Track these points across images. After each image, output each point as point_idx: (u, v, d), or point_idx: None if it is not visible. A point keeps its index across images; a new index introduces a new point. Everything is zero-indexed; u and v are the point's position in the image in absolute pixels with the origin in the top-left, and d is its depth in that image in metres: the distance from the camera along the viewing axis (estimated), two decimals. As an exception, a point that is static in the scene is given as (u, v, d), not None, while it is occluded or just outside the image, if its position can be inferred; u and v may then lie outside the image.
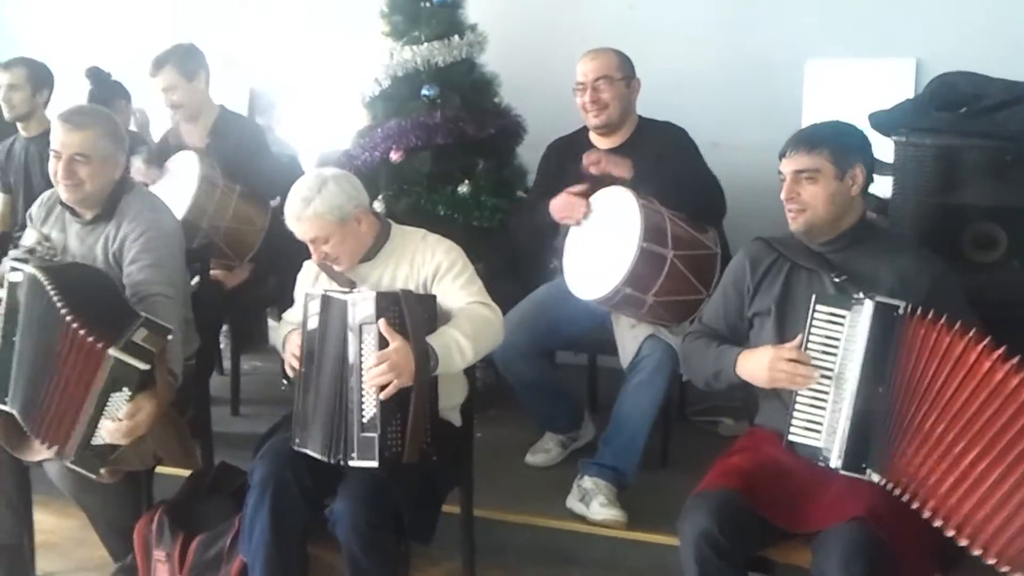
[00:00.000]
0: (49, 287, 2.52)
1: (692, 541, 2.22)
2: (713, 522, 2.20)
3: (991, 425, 2.09)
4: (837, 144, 2.42)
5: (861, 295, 2.24)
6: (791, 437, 2.28)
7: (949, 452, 2.12)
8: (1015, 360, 2.09)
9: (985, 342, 2.12)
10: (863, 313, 2.22)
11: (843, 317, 2.24)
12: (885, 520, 2.13)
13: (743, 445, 2.53)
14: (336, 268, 2.66)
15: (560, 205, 3.21)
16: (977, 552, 2.08)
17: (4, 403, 2.66)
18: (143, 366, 2.45)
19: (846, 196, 2.42)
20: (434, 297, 2.57)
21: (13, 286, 2.62)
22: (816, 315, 2.27)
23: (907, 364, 2.19)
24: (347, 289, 2.61)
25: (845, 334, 2.24)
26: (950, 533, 2.11)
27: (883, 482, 2.18)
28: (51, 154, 2.81)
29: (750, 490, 2.28)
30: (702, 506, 2.25)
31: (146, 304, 2.68)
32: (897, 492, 2.16)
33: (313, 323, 2.55)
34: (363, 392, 2.41)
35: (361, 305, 2.42)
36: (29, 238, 2.93)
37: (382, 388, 2.36)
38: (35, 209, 3.03)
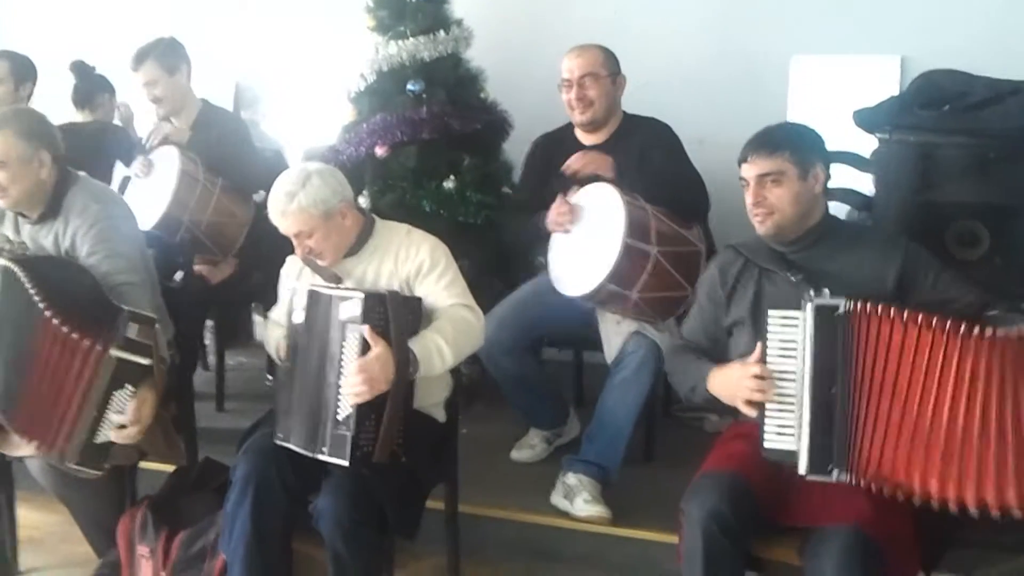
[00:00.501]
0: (26, 281, 2.51)
1: (699, 520, 2.21)
2: (723, 502, 2.20)
3: (938, 396, 2.10)
4: (797, 145, 2.44)
5: (812, 294, 2.22)
6: (766, 444, 2.25)
7: (904, 434, 2.13)
8: (956, 326, 2.08)
9: (924, 319, 2.11)
10: (803, 315, 2.22)
11: (796, 319, 2.23)
12: (876, 521, 2.13)
13: (736, 432, 2.52)
14: (320, 263, 2.65)
15: (552, 219, 3.18)
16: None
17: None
18: (146, 362, 2.47)
19: (810, 195, 2.44)
20: (420, 300, 2.57)
21: None
22: (770, 320, 2.26)
23: (857, 360, 2.17)
24: (333, 284, 2.61)
25: (800, 335, 2.22)
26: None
27: (851, 480, 2.17)
28: None
29: (752, 476, 2.28)
30: (712, 486, 2.25)
31: (115, 294, 2.65)
32: (867, 487, 2.15)
33: (299, 317, 2.55)
34: (340, 390, 2.41)
35: (348, 304, 2.42)
36: None
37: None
38: None
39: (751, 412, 2.28)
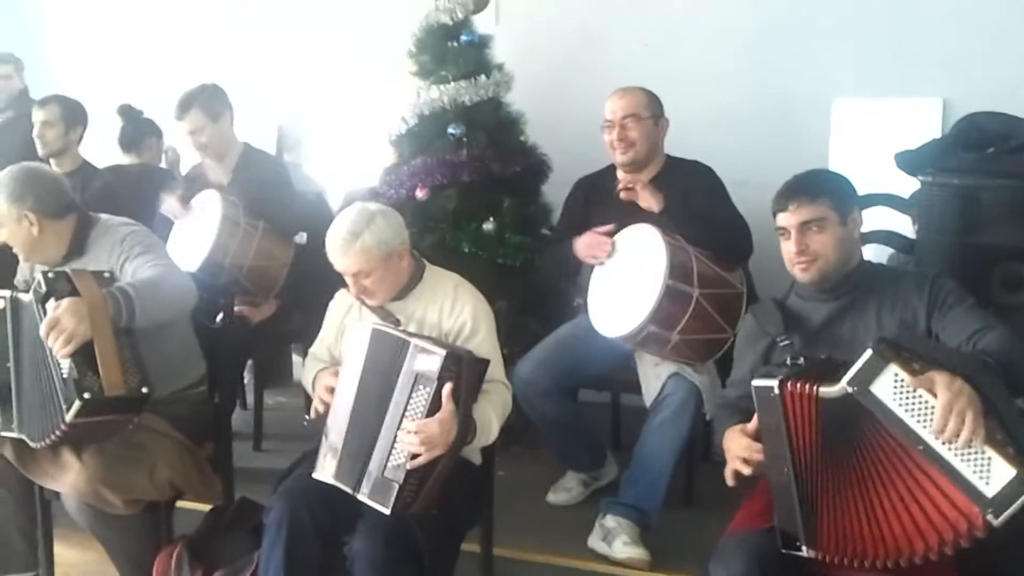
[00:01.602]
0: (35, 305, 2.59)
1: None
2: (751, 564, 2.14)
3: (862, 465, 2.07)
4: (835, 191, 2.42)
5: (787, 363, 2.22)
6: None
7: (848, 507, 2.09)
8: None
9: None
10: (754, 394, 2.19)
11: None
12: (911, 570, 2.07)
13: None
14: (369, 303, 2.66)
15: (585, 243, 3.22)
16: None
17: (12, 430, 2.69)
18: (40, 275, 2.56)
19: (851, 240, 2.42)
20: (488, 362, 2.55)
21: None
22: (753, 392, 2.21)
23: (797, 440, 2.12)
24: (391, 325, 2.61)
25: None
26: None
27: (818, 556, 2.12)
28: None
29: None
30: (737, 550, 2.20)
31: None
32: (831, 560, 2.11)
33: (358, 354, 2.54)
34: (396, 440, 2.40)
35: (427, 357, 2.38)
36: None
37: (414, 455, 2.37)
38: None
39: (730, 482, 2.29)
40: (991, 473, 1.95)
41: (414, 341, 2.42)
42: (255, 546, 2.63)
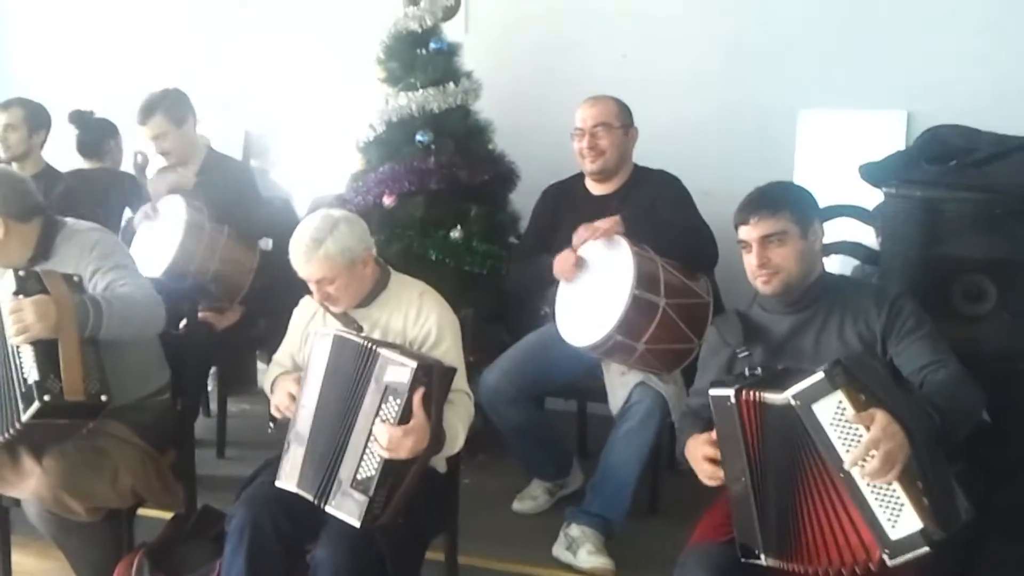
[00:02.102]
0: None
1: None
2: None
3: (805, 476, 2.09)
4: (795, 204, 2.45)
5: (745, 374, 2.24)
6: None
7: (799, 514, 2.11)
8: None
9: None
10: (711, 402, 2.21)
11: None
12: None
13: None
14: (333, 309, 2.64)
15: (559, 267, 3.20)
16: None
17: None
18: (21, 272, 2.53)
19: (812, 252, 2.45)
20: (455, 371, 2.53)
21: None
22: (711, 400, 2.23)
23: (751, 446, 2.15)
24: (354, 332, 2.59)
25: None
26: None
27: (778, 564, 2.13)
28: None
29: None
30: (698, 561, 2.21)
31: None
32: (788, 568, 2.13)
33: (319, 361, 2.52)
34: (366, 450, 2.37)
35: (397, 369, 2.35)
36: None
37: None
38: None
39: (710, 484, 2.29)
40: (899, 518, 2.00)
41: (383, 352, 2.39)
42: (217, 554, 2.60)
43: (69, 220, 2.93)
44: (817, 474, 2.07)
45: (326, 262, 2.55)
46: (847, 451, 2.01)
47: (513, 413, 3.25)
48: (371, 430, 2.36)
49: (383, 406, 2.36)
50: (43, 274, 2.56)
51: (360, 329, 2.62)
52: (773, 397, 2.09)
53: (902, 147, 3.70)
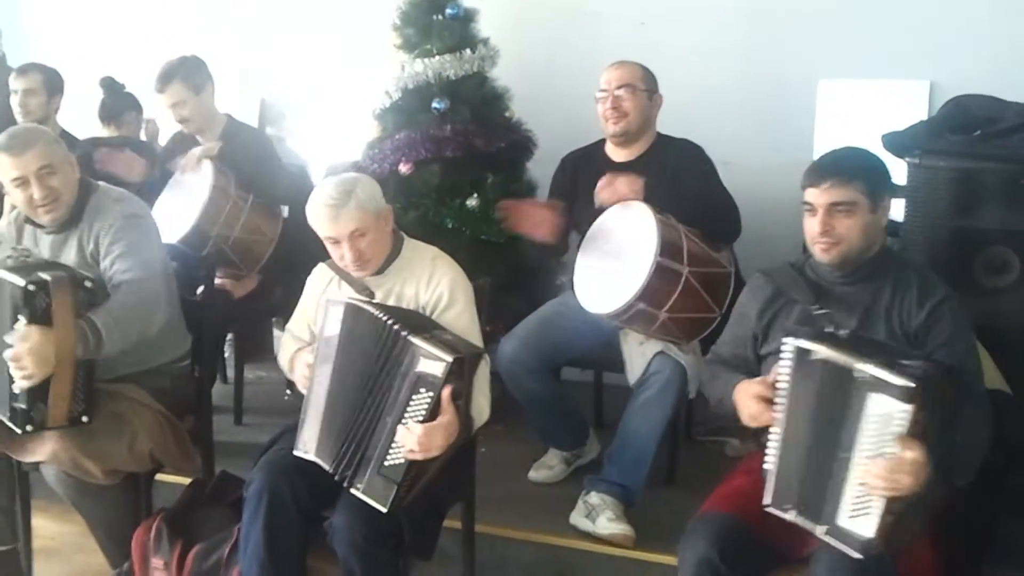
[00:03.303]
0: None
1: (692, 568, 2.20)
2: (713, 548, 2.17)
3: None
4: (870, 175, 2.36)
5: (832, 327, 2.19)
6: (765, 464, 2.21)
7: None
8: None
9: None
10: (788, 353, 2.16)
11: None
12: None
13: (747, 467, 2.50)
14: (360, 272, 2.62)
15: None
16: None
17: None
18: (20, 281, 2.47)
19: (877, 227, 2.37)
20: (483, 353, 2.52)
21: None
22: (782, 348, 2.19)
23: (824, 407, 2.11)
24: (365, 298, 2.59)
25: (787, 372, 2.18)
26: None
27: (807, 526, 2.13)
28: (14, 186, 2.77)
29: (752, 513, 2.25)
30: (702, 531, 2.22)
31: (118, 289, 2.71)
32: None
33: (332, 329, 2.51)
34: (395, 440, 2.36)
35: (431, 362, 2.33)
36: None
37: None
38: (4, 229, 3.00)
39: (752, 425, 2.27)
40: (859, 517, 2.03)
41: (417, 342, 2.36)
42: (235, 520, 2.62)
43: (101, 184, 2.93)
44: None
45: (359, 211, 2.53)
46: (867, 444, 2.01)
47: (531, 382, 3.24)
48: (400, 419, 2.35)
49: (414, 397, 2.34)
50: (53, 288, 2.51)
51: (372, 296, 2.62)
52: (861, 367, 2.03)
53: (924, 117, 3.66)
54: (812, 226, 2.36)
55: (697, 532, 2.23)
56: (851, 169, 2.34)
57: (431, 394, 2.32)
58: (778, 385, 2.18)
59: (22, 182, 2.76)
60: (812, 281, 2.43)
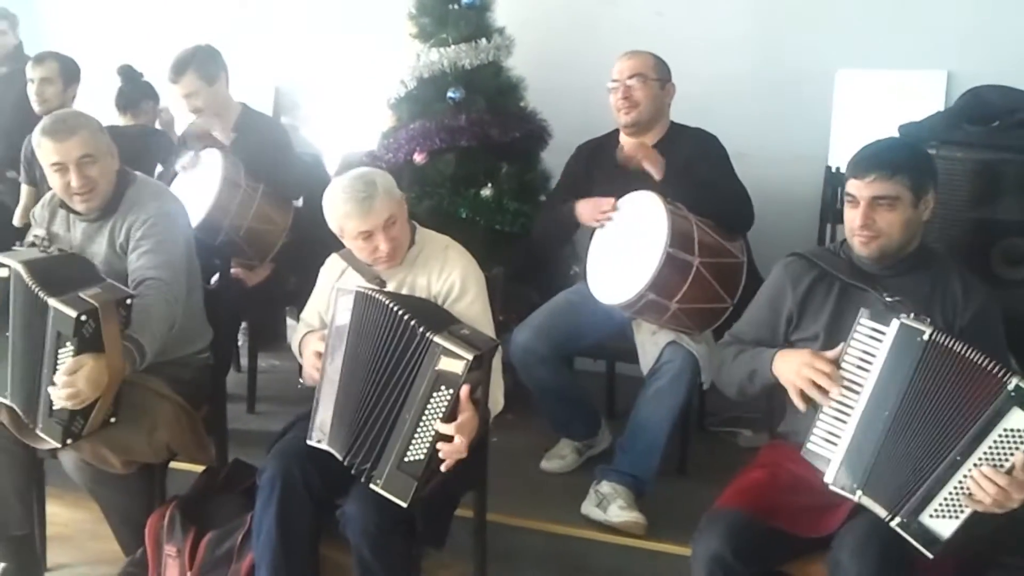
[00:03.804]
0: (29, 280, 2.54)
1: (704, 564, 2.20)
2: (725, 544, 2.17)
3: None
4: (916, 170, 2.33)
5: (909, 315, 2.15)
6: (809, 446, 2.23)
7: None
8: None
9: (1005, 371, 2.03)
10: (888, 333, 2.15)
11: (883, 334, 2.15)
12: None
13: (762, 460, 2.49)
14: (390, 264, 2.61)
15: (590, 209, 3.20)
16: None
17: (5, 397, 2.68)
18: (72, 312, 2.44)
19: (918, 222, 2.35)
20: (499, 345, 2.52)
21: (3, 281, 2.62)
22: (859, 328, 2.18)
23: (923, 391, 2.10)
24: (375, 287, 2.59)
25: (880, 352, 2.16)
26: None
27: (886, 516, 2.13)
28: (52, 171, 2.78)
29: (767, 505, 2.25)
30: (715, 528, 2.22)
31: (140, 286, 2.70)
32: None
33: (343, 319, 2.51)
34: (416, 436, 2.36)
35: (451, 360, 2.32)
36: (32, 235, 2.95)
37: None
38: (39, 210, 3.02)
39: (800, 404, 2.24)
40: (946, 516, 2.06)
41: (436, 339, 2.34)
42: (248, 508, 2.63)
43: (139, 176, 2.96)
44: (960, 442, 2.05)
45: (388, 199, 2.53)
46: (988, 452, 2.01)
47: (544, 372, 3.23)
48: (420, 417, 2.34)
49: (434, 394, 2.34)
50: (103, 314, 2.48)
51: (383, 284, 2.62)
52: (977, 358, 2.04)
53: (942, 108, 3.63)
54: (853, 218, 2.34)
55: (710, 529, 2.23)
56: (896, 163, 2.31)
57: (451, 391, 2.32)
58: (860, 362, 2.17)
59: (61, 168, 2.76)
60: (860, 269, 2.41)
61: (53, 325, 2.48)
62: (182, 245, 2.90)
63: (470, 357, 2.30)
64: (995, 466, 2.00)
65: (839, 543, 2.15)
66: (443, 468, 2.35)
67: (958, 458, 2.04)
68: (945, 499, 2.06)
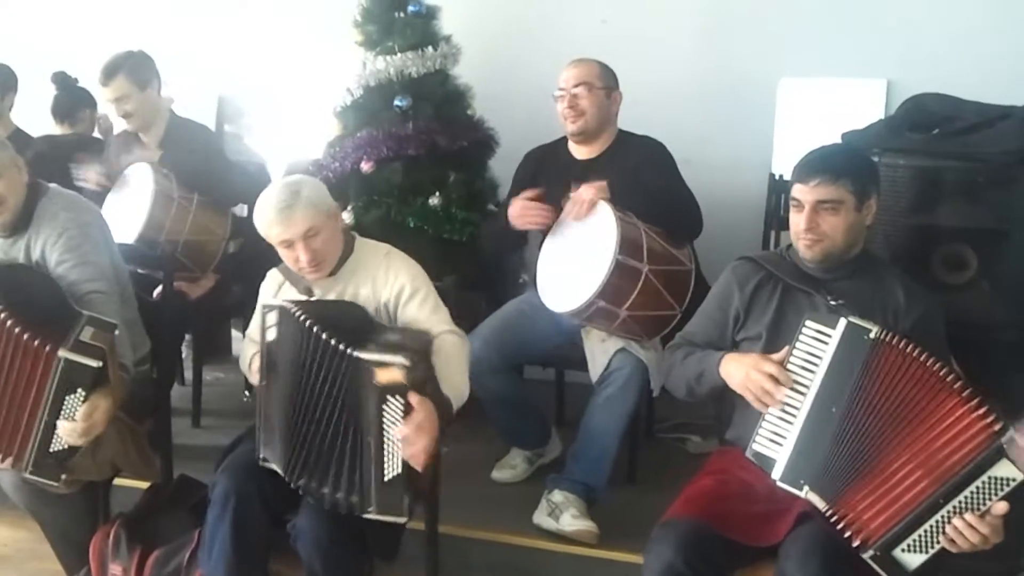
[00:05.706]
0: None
1: (656, 574, 2.20)
2: (678, 555, 2.18)
3: (934, 455, 2.10)
4: (858, 175, 2.39)
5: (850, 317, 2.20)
6: (755, 446, 2.25)
7: (895, 488, 2.13)
8: (974, 400, 2.09)
9: (951, 374, 2.11)
10: (835, 332, 2.20)
11: (828, 336, 2.20)
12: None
13: (712, 467, 2.51)
14: (315, 275, 2.58)
15: (517, 212, 3.20)
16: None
17: None
18: (95, 364, 2.40)
19: (861, 226, 2.41)
20: (427, 334, 2.51)
21: None
22: (804, 330, 2.23)
23: (870, 389, 2.15)
24: (305, 296, 2.57)
25: (826, 352, 2.21)
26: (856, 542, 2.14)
27: (825, 509, 2.16)
28: None
29: (717, 513, 2.27)
30: (667, 538, 2.23)
31: (83, 303, 2.62)
32: (834, 520, 2.16)
33: (271, 335, 2.48)
34: (385, 453, 2.34)
35: (384, 371, 2.30)
36: None
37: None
38: None
39: (761, 407, 2.27)
40: (917, 552, 2.10)
41: (365, 357, 2.32)
42: (195, 524, 2.59)
43: (52, 187, 2.86)
44: (921, 442, 2.10)
45: (310, 209, 2.50)
46: (969, 494, 2.06)
47: (495, 382, 3.22)
48: (383, 435, 2.32)
49: (384, 408, 2.31)
50: (108, 352, 2.45)
51: (310, 294, 2.60)
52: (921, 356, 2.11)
53: (882, 116, 3.69)
54: (798, 222, 2.39)
55: (662, 539, 2.24)
56: (839, 168, 2.37)
57: (402, 400, 2.30)
58: (805, 363, 2.21)
59: None
60: (805, 273, 2.46)
61: (62, 374, 2.41)
62: (106, 255, 2.82)
63: (406, 362, 2.29)
64: (974, 508, 2.05)
65: (785, 552, 2.18)
66: (420, 469, 2.33)
67: (940, 500, 2.08)
68: (920, 535, 2.10)
